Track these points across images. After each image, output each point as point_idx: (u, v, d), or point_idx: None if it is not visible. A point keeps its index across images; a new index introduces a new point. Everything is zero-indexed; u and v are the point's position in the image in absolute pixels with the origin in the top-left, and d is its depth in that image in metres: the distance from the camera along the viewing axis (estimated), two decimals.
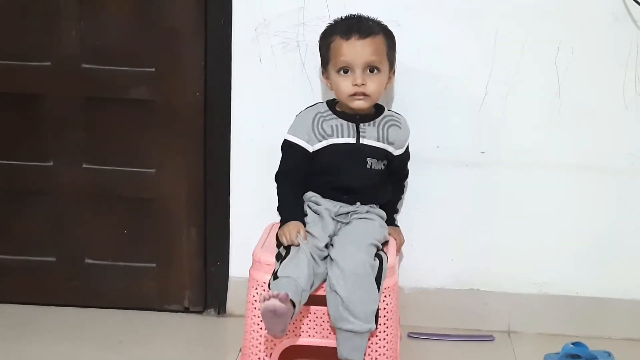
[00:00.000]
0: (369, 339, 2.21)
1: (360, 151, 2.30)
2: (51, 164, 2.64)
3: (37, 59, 2.57)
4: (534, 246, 2.59)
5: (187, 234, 2.66)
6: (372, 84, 2.26)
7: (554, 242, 2.58)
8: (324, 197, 2.31)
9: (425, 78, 2.50)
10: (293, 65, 2.50)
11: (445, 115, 2.53)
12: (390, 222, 2.42)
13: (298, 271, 2.13)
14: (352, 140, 2.30)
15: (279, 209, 2.33)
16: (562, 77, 2.48)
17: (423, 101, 2.52)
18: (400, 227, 2.47)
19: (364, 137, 2.30)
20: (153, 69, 2.57)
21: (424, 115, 2.52)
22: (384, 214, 2.37)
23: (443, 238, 2.60)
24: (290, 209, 2.31)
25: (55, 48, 2.56)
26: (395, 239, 2.40)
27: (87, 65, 2.57)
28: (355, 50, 2.25)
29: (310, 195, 2.33)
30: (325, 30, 2.33)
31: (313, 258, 2.17)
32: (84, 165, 2.64)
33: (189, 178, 2.63)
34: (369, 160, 2.31)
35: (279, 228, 2.29)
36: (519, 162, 2.54)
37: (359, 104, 2.27)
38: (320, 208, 2.29)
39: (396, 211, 2.50)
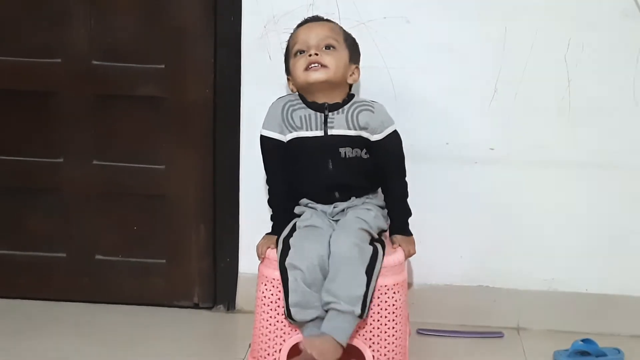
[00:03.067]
0: (378, 335, 2.22)
1: (328, 144, 2.25)
2: (61, 160, 2.65)
3: (47, 56, 2.58)
4: (543, 243, 2.59)
5: (196, 230, 2.67)
6: (329, 57, 2.22)
7: (563, 239, 2.58)
8: (317, 202, 2.30)
9: (434, 75, 2.50)
10: None
11: (454, 112, 2.52)
12: (396, 229, 2.30)
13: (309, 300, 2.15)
14: (320, 133, 2.25)
15: (271, 217, 2.35)
16: (572, 73, 2.48)
17: (432, 98, 2.51)
18: (412, 237, 2.31)
19: (332, 127, 2.24)
20: (163, 66, 2.57)
21: (433, 112, 2.52)
22: (383, 203, 2.34)
23: (452, 235, 2.59)
24: (275, 223, 2.32)
25: (65, 45, 2.57)
26: (403, 250, 2.27)
27: (97, 63, 2.58)
28: (310, 31, 2.24)
29: (305, 201, 2.32)
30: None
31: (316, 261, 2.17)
32: (94, 162, 2.64)
33: (199, 174, 2.63)
34: (342, 150, 2.25)
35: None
36: (528, 159, 2.54)
37: (316, 75, 2.21)
38: (317, 212, 2.29)
39: (402, 216, 2.31)
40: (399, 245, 2.28)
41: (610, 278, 2.59)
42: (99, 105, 2.61)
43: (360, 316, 2.15)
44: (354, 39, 2.32)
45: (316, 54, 2.21)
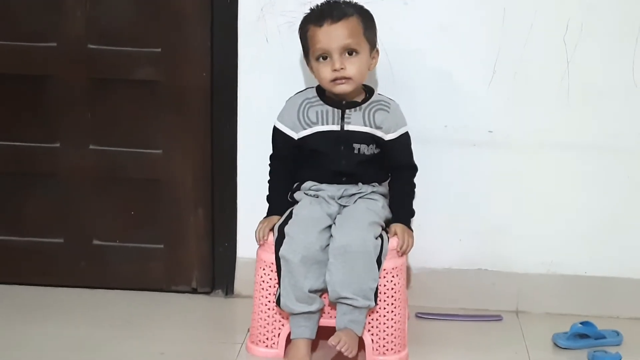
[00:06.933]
0: (377, 319, 2.22)
1: (344, 138, 2.29)
2: (58, 145, 2.64)
3: (43, 39, 2.56)
4: (542, 226, 2.58)
5: (194, 215, 2.66)
6: (352, 67, 2.23)
7: (563, 222, 2.58)
8: (323, 182, 2.31)
9: (432, 57, 2.49)
10: (299, 45, 2.47)
11: (453, 94, 2.51)
12: (396, 218, 2.30)
13: (301, 283, 2.17)
14: (336, 128, 2.28)
15: (267, 198, 2.37)
16: (571, 55, 2.46)
17: (430, 80, 2.50)
18: (411, 230, 2.31)
19: (348, 123, 2.28)
20: (159, 50, 2.56)
21: (431, 94, 2.51)
22: (387, 192, 2.36)
23: (451, 218, 2.59)
24: (274, 202, 2.34)
25: (61, 29, 2.55)
26: (397, 238, 2.25)
27: (93, 46, 2.56)
28: (330, 36, 2.22)
29: (309, 184, 2.33)
30: (301, 21, 2.31)
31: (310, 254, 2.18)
32: (91, 147, 2.63)
33: (196, 159, 2.62)
34: (356, 145, 2.29)
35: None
36: (527, 141, 2.53)
37: (342, 88, 2.25)
38: (322, 193, 2.29)
39: (405, 210, 2.33)
40: (395, 234, 2.27)
41: (609, 261, 2.59)
42: (95, 89, 2.59)
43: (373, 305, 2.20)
44: (371, 22, 2.29)
45: (341, 68, 2.22)
